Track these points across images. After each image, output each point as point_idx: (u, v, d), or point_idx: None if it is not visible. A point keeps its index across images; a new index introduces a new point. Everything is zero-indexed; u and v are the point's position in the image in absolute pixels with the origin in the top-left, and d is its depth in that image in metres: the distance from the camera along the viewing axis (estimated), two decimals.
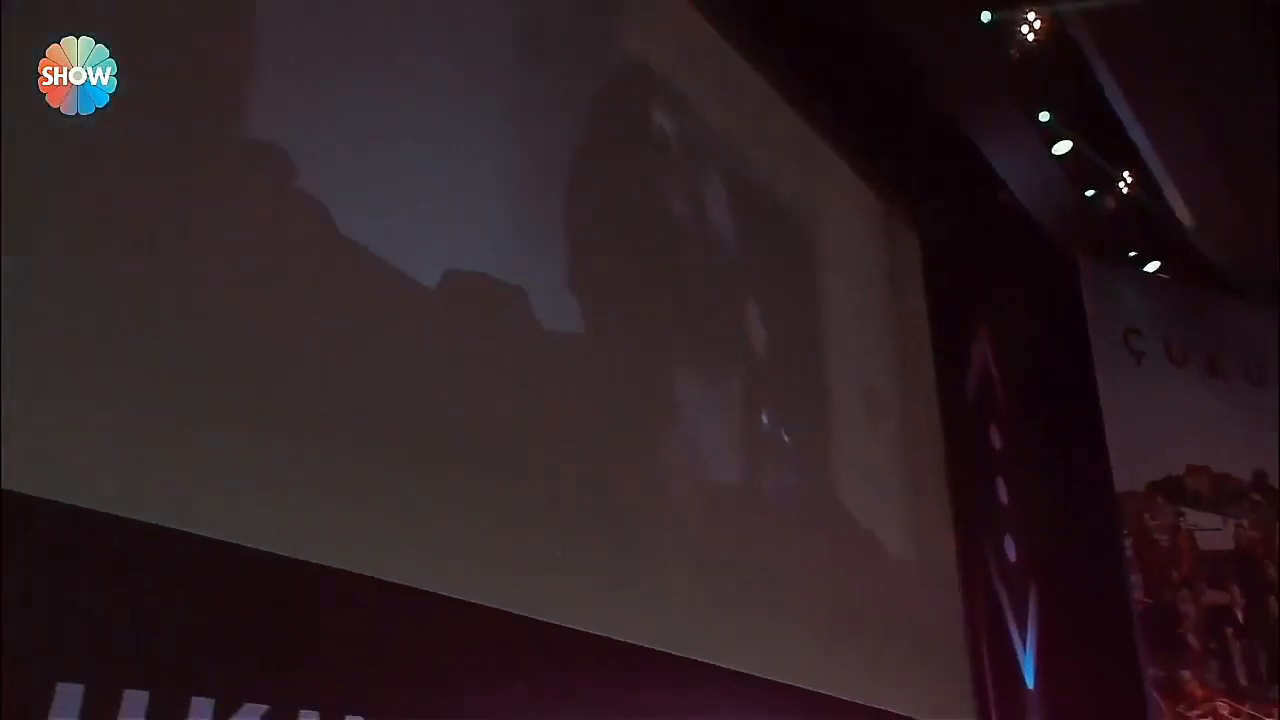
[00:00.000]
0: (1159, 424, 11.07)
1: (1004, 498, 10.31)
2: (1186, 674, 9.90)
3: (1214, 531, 10.84)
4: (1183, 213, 11.54)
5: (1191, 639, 10.07)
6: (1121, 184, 11.48)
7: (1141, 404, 11.03)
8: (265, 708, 3.46)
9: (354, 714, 3.89)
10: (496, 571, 4.82)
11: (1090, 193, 11.19)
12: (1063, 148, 10.53)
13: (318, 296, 4.00)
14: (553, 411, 5.47)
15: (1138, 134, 10.52)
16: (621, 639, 5.46)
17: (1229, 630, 10.22)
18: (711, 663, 6.04)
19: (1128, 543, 10.41)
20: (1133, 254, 12.07)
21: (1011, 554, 10.05)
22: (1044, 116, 10.36)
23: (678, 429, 6.59)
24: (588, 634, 5.26)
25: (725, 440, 7.06)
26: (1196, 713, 9.64)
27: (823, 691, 6.95)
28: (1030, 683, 9.41)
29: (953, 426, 9.94)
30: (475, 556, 4.76)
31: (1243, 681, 9.91)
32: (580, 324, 5.88)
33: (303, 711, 3.77)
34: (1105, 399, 10.59)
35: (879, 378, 9.20)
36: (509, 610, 4.78)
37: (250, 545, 3.51)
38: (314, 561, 3.79)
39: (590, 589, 5.40)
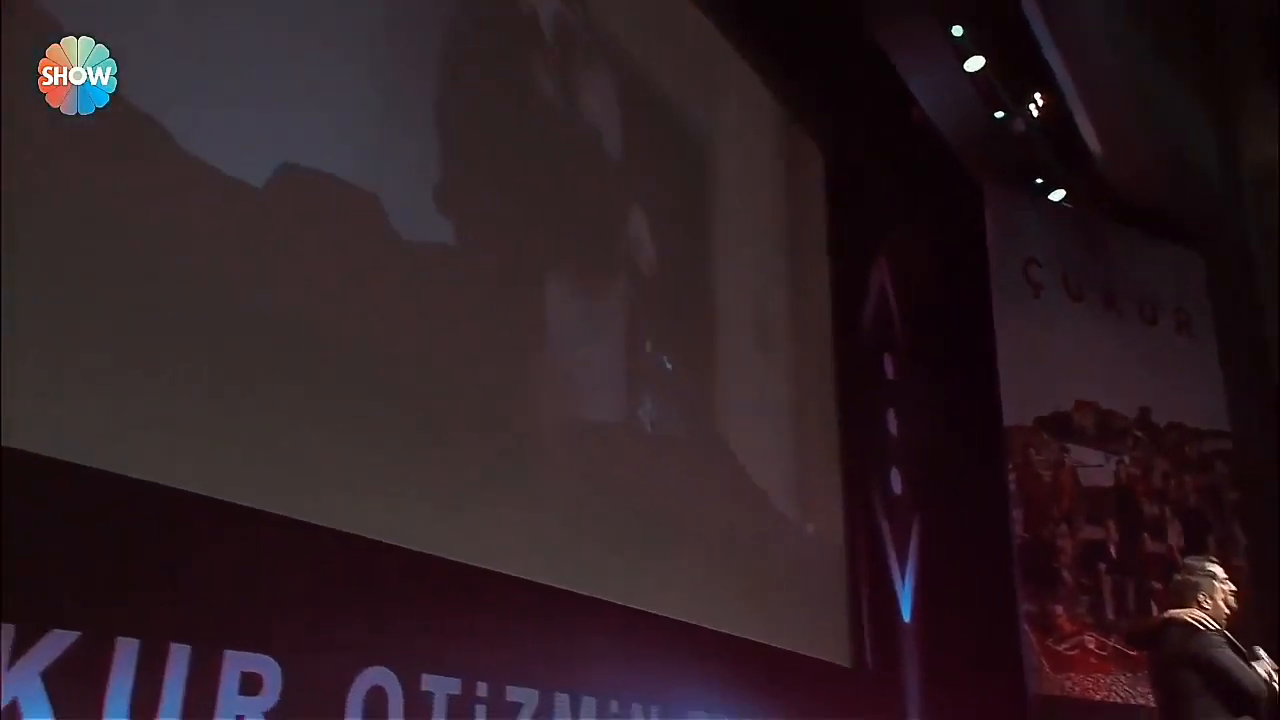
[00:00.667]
0: (1052, 358, 11.12)
1: (894, 429, 10.23)
2: (1058, 608, 10.13)
3: (1096, 468, 11.01)
4: (1093, 141, 11.38)
5: (1066, 574, 10.32)
6: (1032, 107, 11.20)
7: (1036, 337, 11.05)
8: (137, 642, 3.44)
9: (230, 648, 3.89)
10: (357, 497, 4.71)
11: (1000, 115, 10.88)
12: (975, 64, 10.16)
13: (158, 212, 3.91)
14: (413, 329, 5.16)
15: (1053, 55, 10.21)
16: (491, 568, 5.42)
17: (1102, 566, 10.53)
18: (584, 594, 6.05)
19: (1011, 478, 10.47)
20: (1039, 181, 11.87)
21: (897, 487, 10.03)
22: (958, 31, 9.92)
23: (551, 352, 6.29)
24: (460, 564, 5.21)
25: (603, 366, 6.82)
26: (1065, 646, 9.92)
27: (699, 624, 7.00)
28: (907, 616, 9.44)
29: (846, 356, 9.79)
30: (332, 482, 4.61)
31: (1110, 616, 10.20)
32: (446, 234, 5.44)
33: (174, 644, 3.89)
34: (1000, 331, 10.64)
35: (772, 303, 8.86)
36: (378, 539, 4.73)
37: (107, 469, 3.47)
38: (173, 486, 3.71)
39: (456, 517, 5.31)
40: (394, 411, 4.97)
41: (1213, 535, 11.67)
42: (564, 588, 5.79)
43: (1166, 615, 4.01)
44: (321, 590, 4.33)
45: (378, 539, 4.66)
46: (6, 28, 3.58)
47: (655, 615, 6.50)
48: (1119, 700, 9.78)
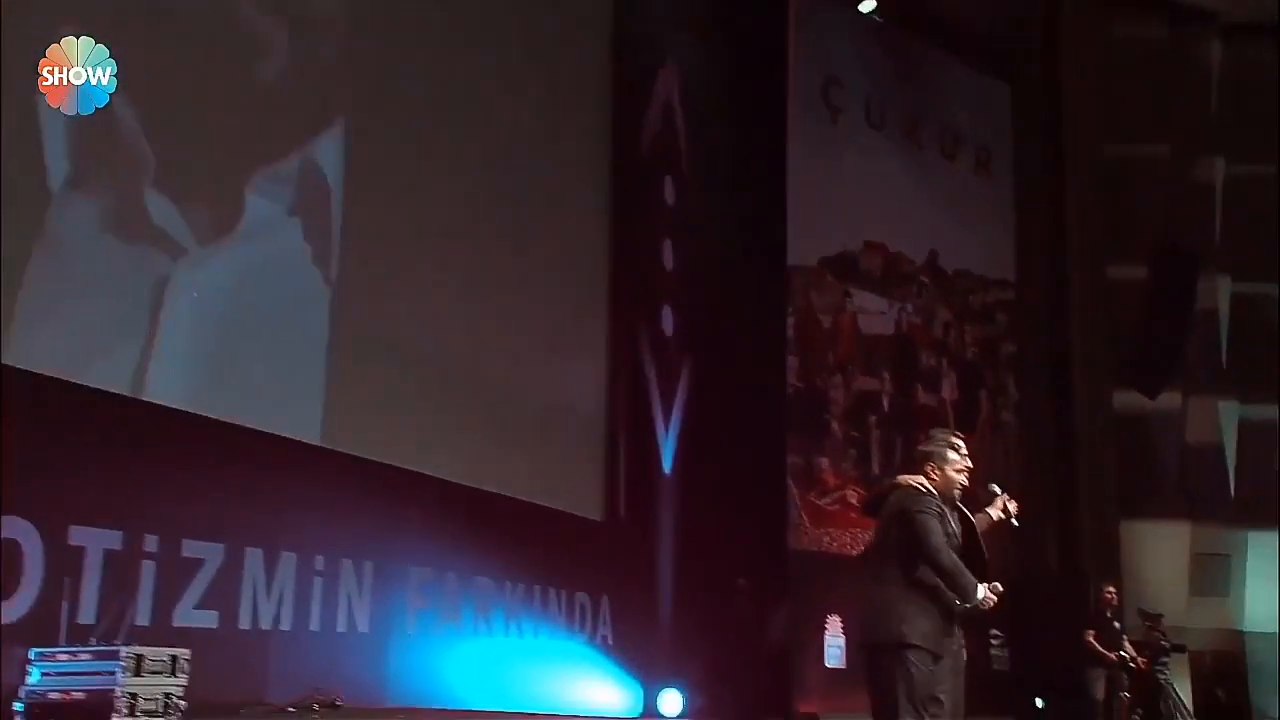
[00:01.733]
0: (843, 194, 11.61)
1: (669, 263, 10.38)
2: (824, 461, 10.91)
3: (878, 315, 11.73)
4: None
5: (835, 426, 11.05)
6: None
7: (830, 168, 11.44)
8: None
9: None
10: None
11: None
12: None
13: None
14: None
15: None
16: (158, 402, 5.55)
17: (873, 419, 11.33)
18: (335, 449, 6.30)
19: (790, 322, 11.00)
20: None
21: (668, 327, 10.25)
22: None
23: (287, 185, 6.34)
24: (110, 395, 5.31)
25: None
26: (826, 500, 10.72)
27: (428, 474, 7.18)
28: (668, 467, 9.87)
29: (622, 176, 9.71)
30: None
31: (876, 470, 11.11)
32: None
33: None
34: (793, 160, 10.91)
35: (542, 114, 8.63)
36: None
37: None
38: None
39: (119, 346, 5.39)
40: None
41: (986, 389, 12.90)
42: (257, 428, 5.83)
43: (894, 481, 4.39)
44: None
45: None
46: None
47: (377, 464, 6.59)
48: None
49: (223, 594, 5.50)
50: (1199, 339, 13.77)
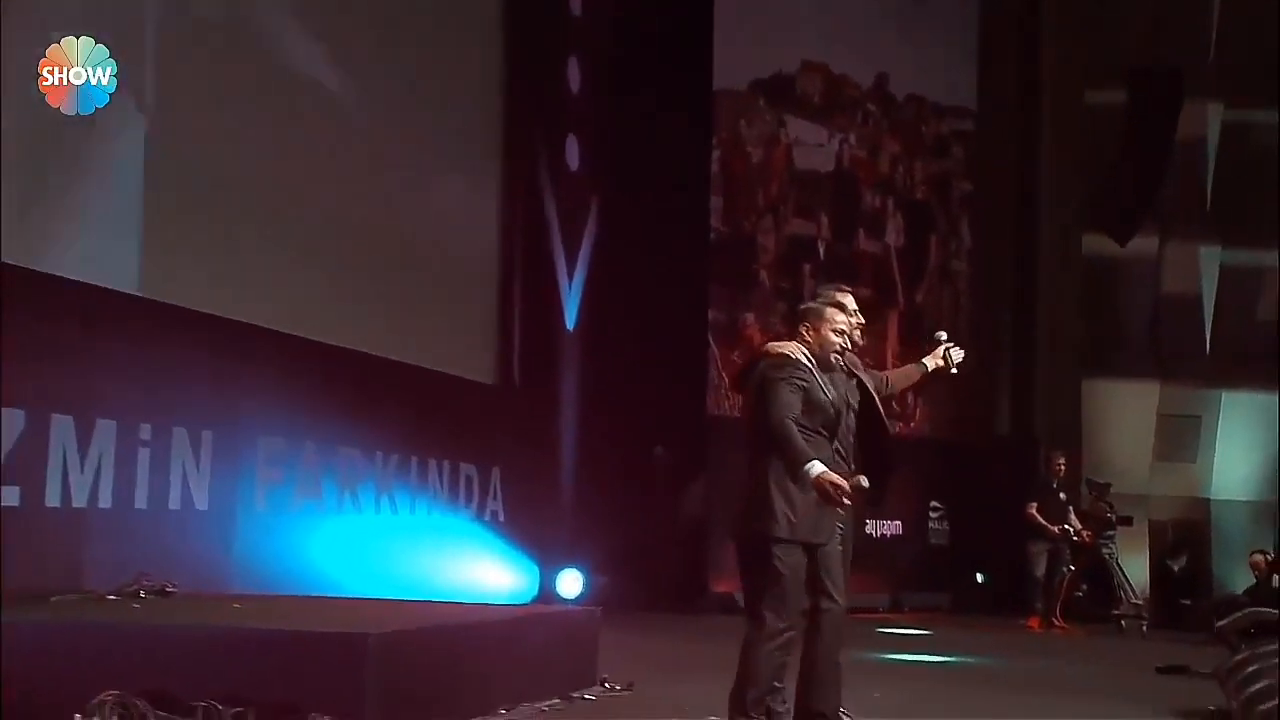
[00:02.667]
0: (780, 4, 11.30)
1: (575, 85, 10.18)
2: (750, 316, 10.93)
3: (816, 148, 11.64)
4: None
5: (764, 276, 11.03)
6: None
7: None
8: None
9: None
10: None
11: None
12: None
13: None
14: None
15: None
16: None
17: (806, 268, 11.33)
18: (157, 300, 6.19)
19: (715, 156, 10.88)
20: None
21: (573, 160, 10.11)
22: None
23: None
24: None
25: None
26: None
27: (310, 337, 7.20)
28: (571, 322, 9.86)
29: None
30: None
31: None
32: None
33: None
34: None
35: None
36: None
37: None
38: None
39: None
40: None
41: (937, 233, 12.87)
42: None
43: (763, 348, 4.29)
44: None
45: None
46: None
47: (215, 319, 6.51)
48: None
49: (26, 467, 5.37)
50: (1181, 174, 13.83)
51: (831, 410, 4.25)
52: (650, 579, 9.71)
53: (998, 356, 13.02)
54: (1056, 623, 9.93)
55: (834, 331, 4.33)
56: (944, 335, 5.05)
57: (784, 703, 4.37)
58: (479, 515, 8.94)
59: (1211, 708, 4.98)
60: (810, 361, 4.26)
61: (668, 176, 10.33)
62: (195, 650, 4.25)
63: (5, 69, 4.98)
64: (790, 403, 4.10)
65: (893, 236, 12.21)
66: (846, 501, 3.97)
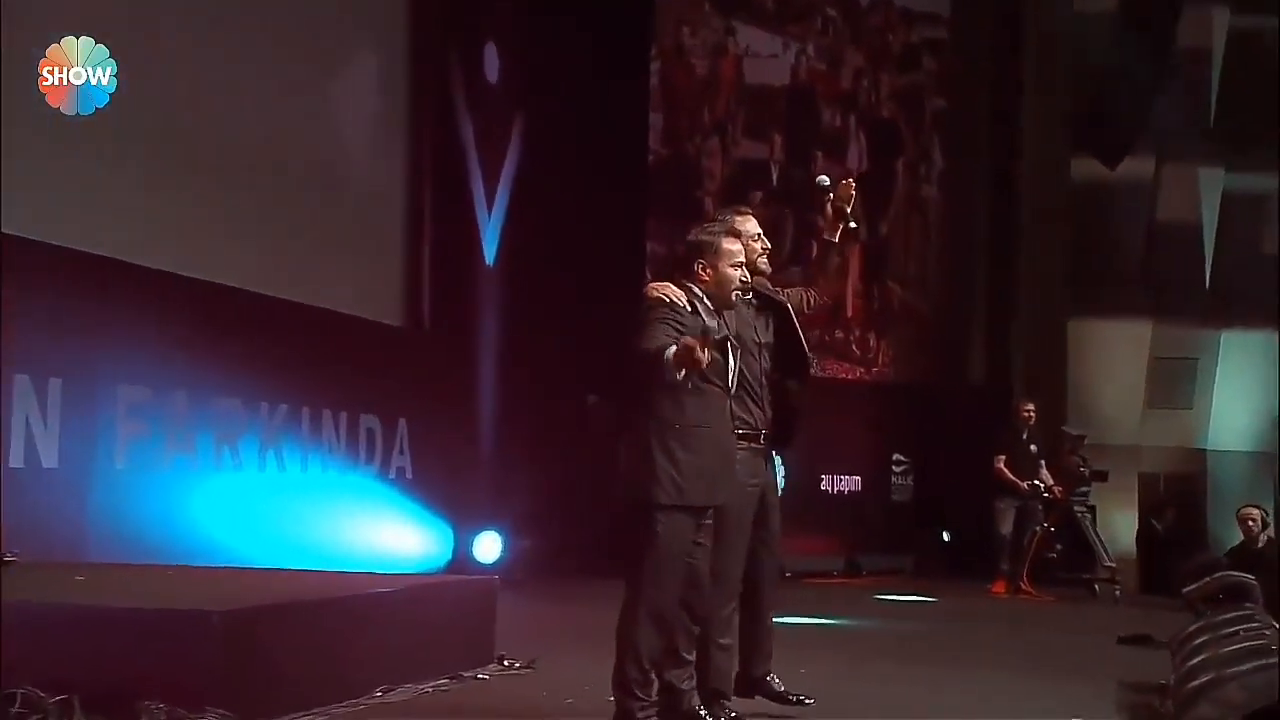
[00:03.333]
0: None
1: None
2: None
3: (769, 59, 11.55)
4: None
5: (709, 204, 11.01)
6: None
7: None
8: None
9: None
10: None
11: None
12: None
13: None
14: None
15: None
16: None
17: (757, 195, 11.34)
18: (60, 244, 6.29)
19: (654, 68, 10.77)
20: None
21: (492, 71, 9.98)
22: None
23: None
24: None
25: None
26: None
27: (178, 272, 7.14)
28: (491, 257, 9.80)
29: None
30: None
31: None
32: None
33: None
34: None
35: None
36: None
37: None
38: None
39: None
40: None
41: (904, 156, 12.66)
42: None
43: (644, 291, 4.14)
44: None
45: None
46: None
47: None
48: None
49: None
50: (1181, 88, 13.79)
51: (721, 359, 4.10)
52: (579, 542, 9.68)
53: (972, 294, 13.01)
54: (1024, 587, 10.00)
55: (732, 266, 4.23)
56: (825, 180, 4.79)
57: (691, 677, 4.31)
58: (383, 472, 8.85)
59: (1163, 681, 4.99)
60: (694, 304, 4.17)
61: (600, 92, 10.22)
62: (16, 628, 4.10)
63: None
64: (654, 335, 3.96)
65: (855, 160, 12.12)
66: (702, 356, 3.78)
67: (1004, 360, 13.18)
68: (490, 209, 9.90)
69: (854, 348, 12.12)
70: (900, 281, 12.68)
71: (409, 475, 9.09)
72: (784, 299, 4.62)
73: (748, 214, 4.56)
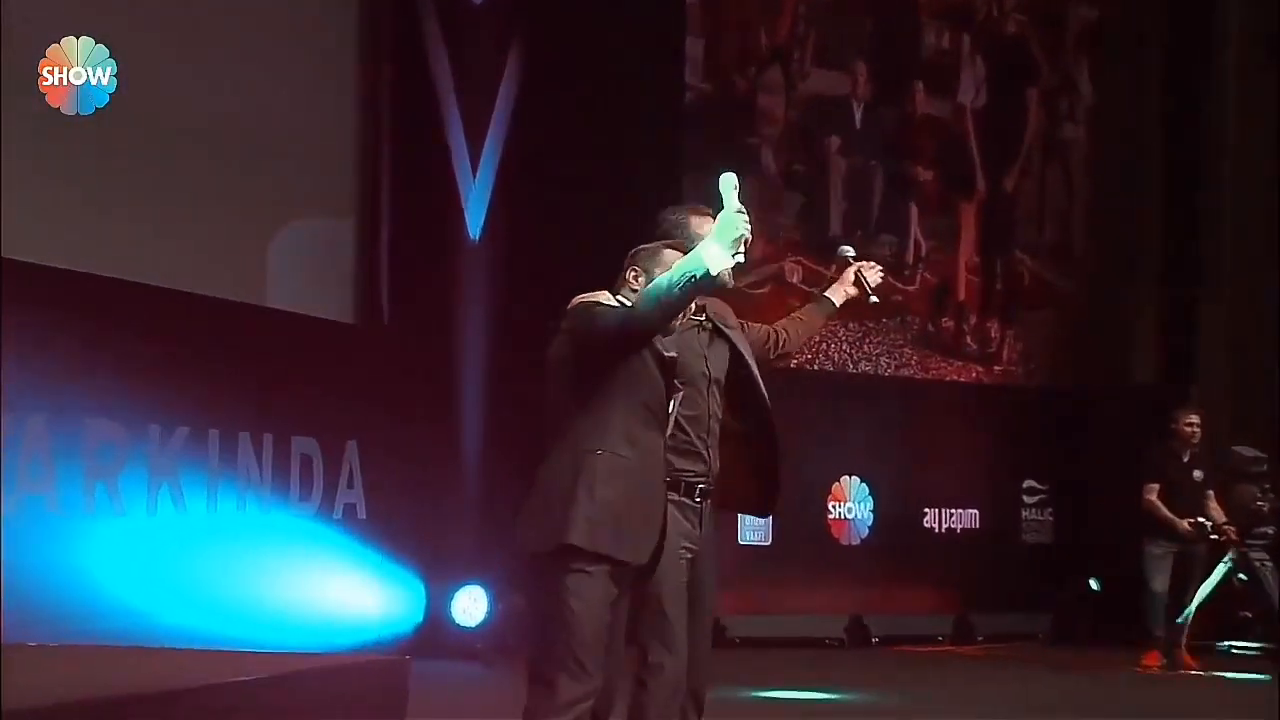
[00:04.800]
0: None
1: None
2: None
3: None
4: None
5: (768, 156, 11.10)
6: None
7: None
8: None
9: None
10: None
11: None
12: None
13: None
14: None
15: None
16: None
17: (835, 143, 11.35)
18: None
19: None
20: None
21: None
22: None
23: None
24: None
25: None
26: (751, 279, 10.78)
27: (43, 263, 7.33)
28: (476, 231, 9.86)
29: None
30: None
31: (837, 229, 11.24)
32: None
33: None
34: None
35: None
36: None
37: None
38: None
39: None
40: None
41: (1037, 86, 12.37)
42: None
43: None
44: None
45: None
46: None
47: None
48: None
49: None
50: None
51: (662, 384, 4.28)
52: None
53: (1137, 265, 12.71)
54: (1184, 659, 9.74)
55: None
56: (850, 250, 5.22)
57: None
58: (324, 511, 8.84)
59: None
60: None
61: (621, 11, 10.11)
62: None
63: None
64: (608, 312, 4.18)
65: (970, 93, 11.97)
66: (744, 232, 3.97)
67: (1184, 355, 12.81)
68: (475, 169, 9.85)
69: (969, 340, 12.01)
70: (1032, 252, 12.46)
71: (360, 514, 9.08)
72: (741, 332, 4.82)
73: (706, 214, 4.57)
